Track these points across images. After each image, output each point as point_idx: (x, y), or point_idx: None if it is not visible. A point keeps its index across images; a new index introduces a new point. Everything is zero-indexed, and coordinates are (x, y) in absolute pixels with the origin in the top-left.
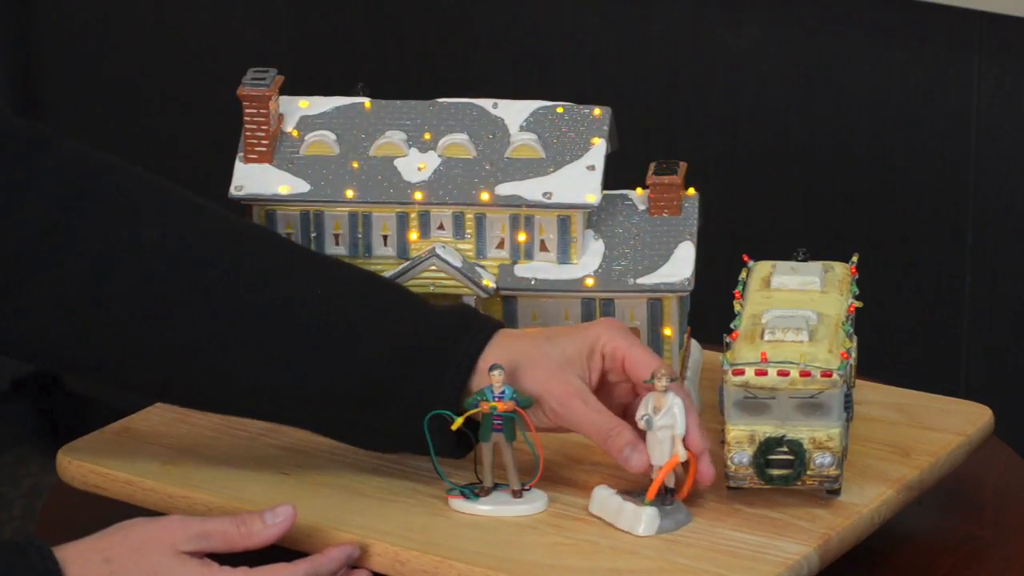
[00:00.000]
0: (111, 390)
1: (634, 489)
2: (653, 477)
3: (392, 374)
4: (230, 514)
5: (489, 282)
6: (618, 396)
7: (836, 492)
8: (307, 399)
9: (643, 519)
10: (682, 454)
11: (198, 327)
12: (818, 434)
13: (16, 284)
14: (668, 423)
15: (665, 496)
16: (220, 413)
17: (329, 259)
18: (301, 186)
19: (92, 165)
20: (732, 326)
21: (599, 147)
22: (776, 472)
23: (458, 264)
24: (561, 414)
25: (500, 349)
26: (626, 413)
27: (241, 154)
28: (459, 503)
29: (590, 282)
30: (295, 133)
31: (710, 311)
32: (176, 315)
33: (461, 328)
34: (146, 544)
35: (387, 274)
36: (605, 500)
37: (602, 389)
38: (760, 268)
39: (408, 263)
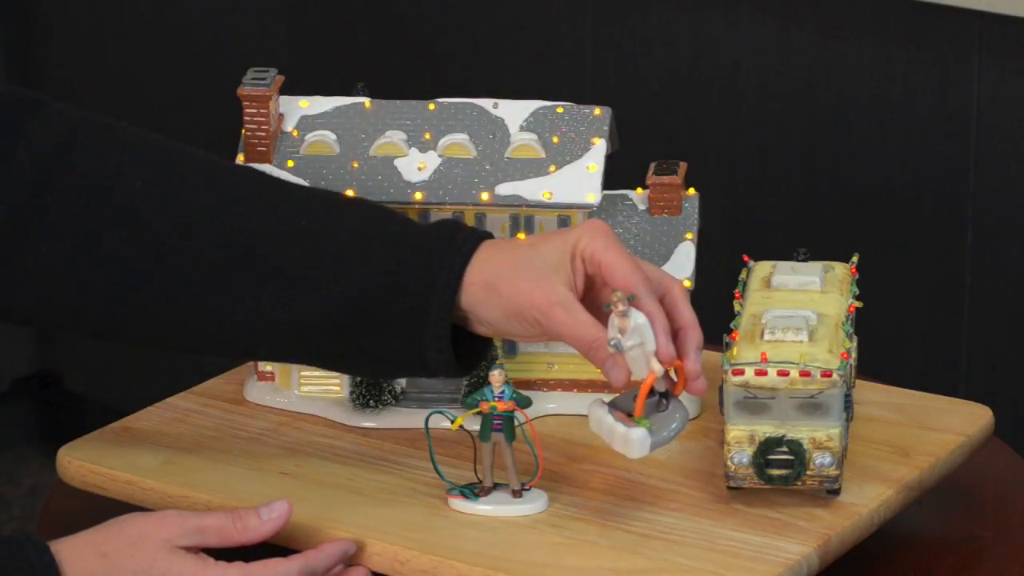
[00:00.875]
0: (112, 390)
1: (629, 400)
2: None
3: (381, 298)
4: (226, 510)
5: None
6: (606, 300)
7: (836, 492)
8: (300, 333)
9: (634, 442)
10: (657, 369)
11: (187, 270)
12: (818, 434)
13: (9, 248)
14: (637, 342)
15: (659, 402)
16: (222, 356)
17: (313, 190)
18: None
19: (72, 123)
20: (732, 326)
21: (599, 147)
22: (776, 472)
23: None
24: (545, 324)
25: (484, 263)
26: None
27: (241, 154)
28: (459, 503)
29: None
30: (295, 133)
31: (710, 311)
32: (164, 260)
33: (445, 243)
34: (142, 539)
35: None
36: (601, 419)
37: (591, 294)
38: (760, 268)
39: None
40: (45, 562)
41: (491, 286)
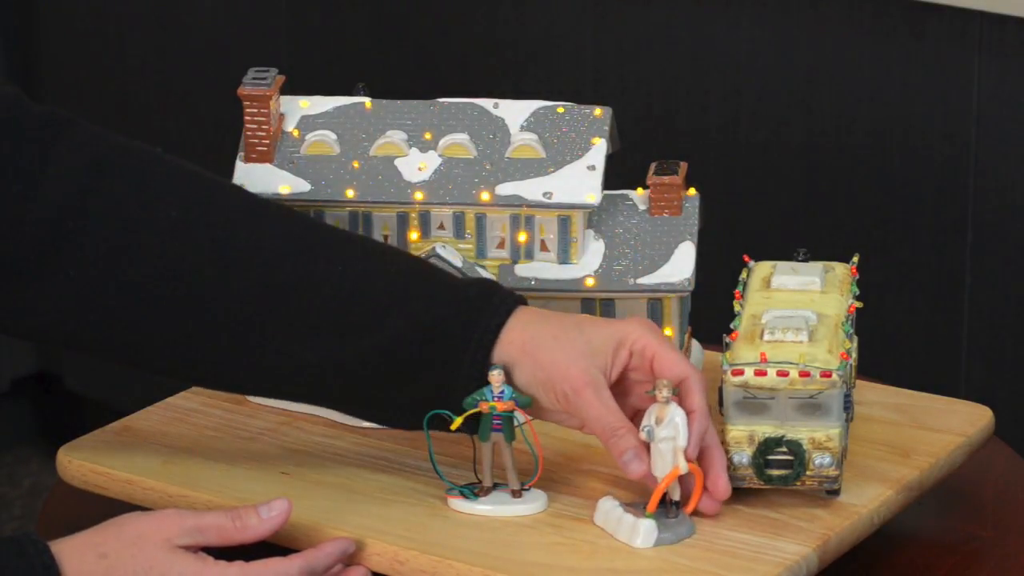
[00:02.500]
0: (112, 390)
1: (638, 501)
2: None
3: (415, 350)
4: (226, 509)
5: None
6: (636, 398)
7: (835, 492)
8: (331, 377)
9: (640, 531)
10: (683, 466)
11: (220, 308)
12: (817, 434)
13: (38, 269)
14: (670, 435)
15: (669, 508)
16: (246, 393)
17: (349, 235)
18: (301, 186)
19: (107, 147)
20: (732, 326)
21: (599, 147)
22: (775, 472)
23: (458, 264)
24: (572, 401)
25: (527, 326)
26: (636, 418)
27: (241, 154)
28: (458, 503)
29: (590, 282)
30: (295, 133)
31: (710, 311)
32: (197, 295)
33: (483, 301)
34: (141, 538)
35: None
36: (608, 512)
37: (621, 387)
38: (760, 268)
39: None
40: (45, 563)
41: (528, 351)
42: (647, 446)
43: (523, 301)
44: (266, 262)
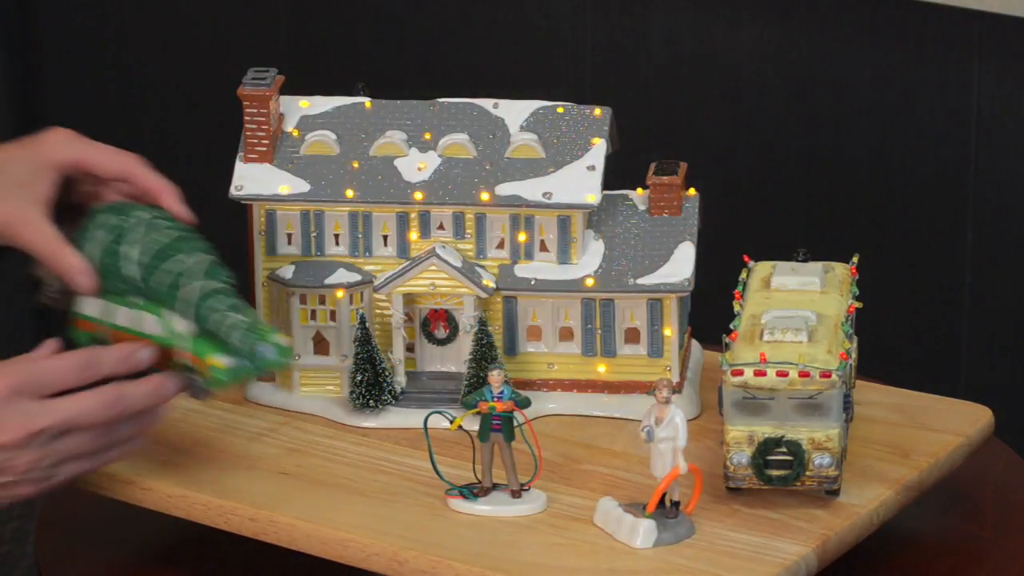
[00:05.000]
0: None
1: (639, 502)
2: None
3: None
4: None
5: (489, 282)
6: (102, 195)
7: (835, 493)
8: None
9: (640, 531)
10: (683, 467)
11: None
12: (817, 435)
13: None
14: (670, 435)
15: (669, 508)
16: None
17: None
18: (301, 186)
19: None
20: (732, 326)
21: (599, 147)
22: (775, 473)
23: (458, 264)
24: (17, 241)
25: None
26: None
27: (241, 154)
28: (458, 503)
29: (590, 282)
30: (295, 133)
31: (710, 311)
32: None
33: None
34: None
35: (387, 274)
36: (608, 512)
37: (79, 198)
38: (760, 268)
39: (408, 263)
40: None
41: None
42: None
43: None
44: None
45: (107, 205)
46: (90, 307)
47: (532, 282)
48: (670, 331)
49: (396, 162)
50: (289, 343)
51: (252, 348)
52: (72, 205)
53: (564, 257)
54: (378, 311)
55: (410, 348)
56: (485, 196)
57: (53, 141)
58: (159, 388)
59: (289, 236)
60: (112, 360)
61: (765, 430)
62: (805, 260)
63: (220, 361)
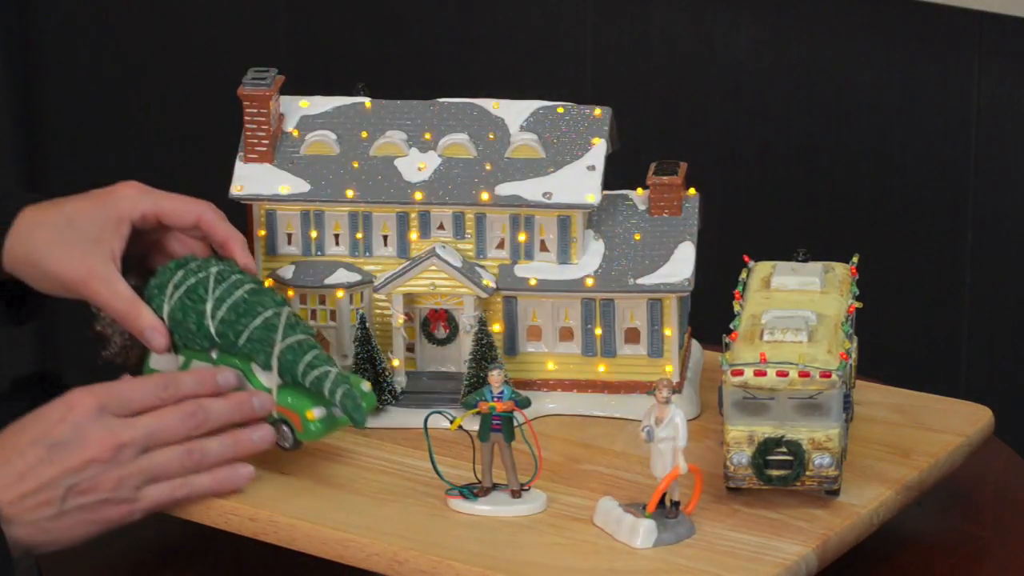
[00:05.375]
0: None
1: (639, 502)
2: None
3: None
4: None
5: (489, 282)
6: (171, 248)
7: (835, 493)
8: None
9: (640, 531)
10: (683, 467)
11: None
12: (817, 435)
13: None
14: (670, 435)
15: (669, 508)
16: None
17: None
18: (301, 186)
19: None
20: (731, 326)
21: (599, 147)
22: (775, 473)
23: (458, 264)
24: (87, 296)
25: (21, 237)
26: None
27: (241, 154)
28: (458, 503)
29: (590, 282)
30: (295, 133)
31: (710, 311)
32: None
33: None
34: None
35: (387, 274)
36: (608, 512)
37: (144, 249)
38: (760, 268)
39: (408, 263)
40: None
41: (32, 262)
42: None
43: (31, 201)
44: None
45: (175, 261)
46: (162, 362)
47: (532, 282)
48: (670, 331)
49: (396, 162)
50: (371, 389)
51: (344, 398)
52: (132, 255)
53: (564, 257)
54: (378, 311)
55: (410, 348)
56: (485, 196)
57: (126, 195)
58: (241, 403)
59: (289, 236)
60: (192, 381)
61: (765, 430)
62: (805, 260)
63: (314, 413)
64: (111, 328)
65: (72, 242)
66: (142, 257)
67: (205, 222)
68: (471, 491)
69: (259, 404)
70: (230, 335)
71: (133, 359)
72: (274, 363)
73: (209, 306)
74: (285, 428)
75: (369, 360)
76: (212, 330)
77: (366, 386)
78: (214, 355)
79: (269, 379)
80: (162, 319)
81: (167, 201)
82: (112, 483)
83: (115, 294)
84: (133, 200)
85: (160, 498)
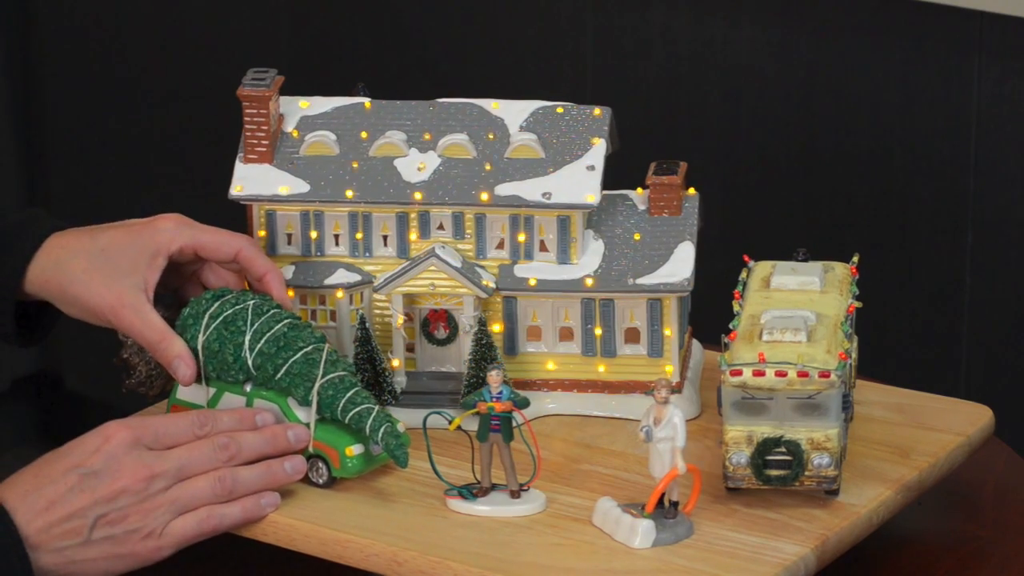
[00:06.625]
0: (112, 391)
1: (638, 502)
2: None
3: None
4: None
5: (489, 282)
6: (206, 279)
7: (834, 493)
8: None
9: (639, 531)
10: (681, 467)
11: None
12: (816, 435)
13: None
14: (668, 435)
15: (668, 508)
16: None
17: None
18: (301, 186)
19: None
20: (731, 326)
21: (599, 147)
22: (774, 473)
23: (458, 264)
24: (116, 324)
25: (56, 263)
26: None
27: (241, 154)
28: (457, 503)
29: (590, 282)
30: (295, 133)
31: (710, 311)
32: None
33: (15, 236)
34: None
35: (387, 274)
36: (607, 512)
37: (179, 280)
38: (760, 268)
39: (408, 263)
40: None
41: (64, 288)
42: (196, 363)
43: (58, 228)
44: None
45: (211, 292)
46: (189, 393)
47: (532, 282)
48: (670, 331)
49: (396, 162)
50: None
51: (387, 436)
52: (166, 285)
53: (564, 257)
54: (378, 311)
55: (410, 348)
56: (485, 196)
57: (164, 228)
58: (275, 435)
59: (289, 236)
60: (230, 420)
61: (764, 430)
62: (805, 260)
63: (352, 449)
64: (138, 356)
65: (105, 271)
66: (175, 289)
67: (244, 257)
68: (470, 491)
69: (294, 437)
70: (268, 368)
71: (156, 389)
72: (314, 398)
73: (247, 338)
74: (321, 464)
75: (369, 360)
76: (249, 362)
77: (401, 427)
78: (248, 388)
79: (306, 414)
80: (196, 349)
81: (206, 235)
82: (141, 514)
83: (146, 323)
84: (171, 233)
85: (186, 530)
